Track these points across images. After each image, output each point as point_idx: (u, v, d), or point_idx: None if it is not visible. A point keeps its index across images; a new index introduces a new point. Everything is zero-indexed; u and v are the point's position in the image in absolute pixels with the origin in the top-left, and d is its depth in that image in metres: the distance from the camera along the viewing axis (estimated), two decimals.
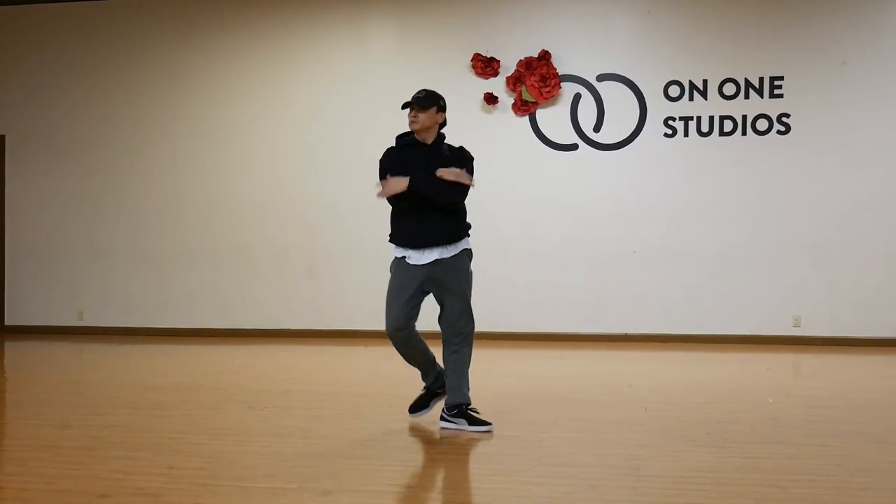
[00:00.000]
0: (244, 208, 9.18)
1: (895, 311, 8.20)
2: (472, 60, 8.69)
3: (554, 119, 8.66)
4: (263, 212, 9.14)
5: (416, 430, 5.05)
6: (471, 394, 5.10)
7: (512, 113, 8.66)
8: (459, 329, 5.11)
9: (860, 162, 8.22)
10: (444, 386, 5.17)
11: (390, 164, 5.12)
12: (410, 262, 5.10)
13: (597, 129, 8.59)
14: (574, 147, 8.64)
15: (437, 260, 5.05)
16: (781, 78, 8.33)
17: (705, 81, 8.43)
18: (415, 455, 4.51)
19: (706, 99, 8.42)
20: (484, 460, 4.42)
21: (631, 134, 8.55)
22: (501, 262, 8.66)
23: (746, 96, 8.38)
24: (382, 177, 5.12)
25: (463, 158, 5.15)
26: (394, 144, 5.30)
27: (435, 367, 5.26)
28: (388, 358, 7.84)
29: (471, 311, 5.17)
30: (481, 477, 4.15)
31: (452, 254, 5.09)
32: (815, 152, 8.27)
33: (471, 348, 5.18)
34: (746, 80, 8.38)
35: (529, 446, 4.67)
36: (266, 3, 9.11)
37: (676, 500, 3.78)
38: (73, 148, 9.50)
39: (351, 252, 8.98)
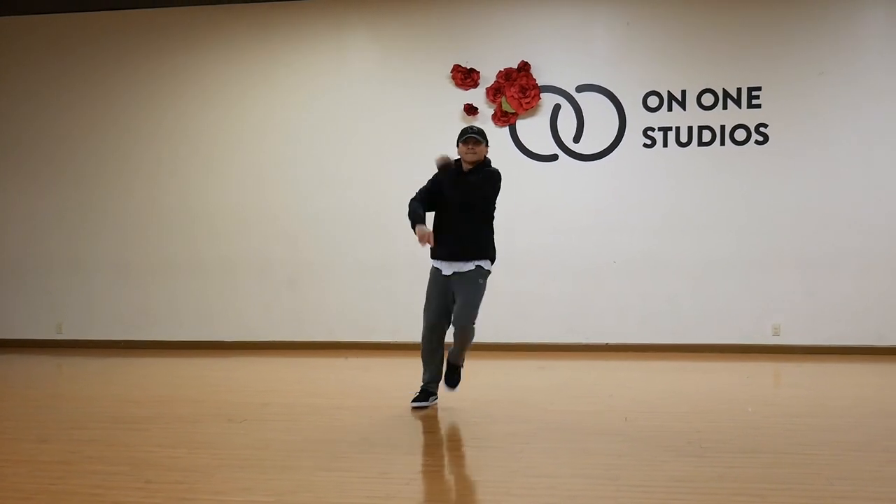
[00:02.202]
0: (225, 220, 9.15)
1: (874, 319, 8.25)
2: (452, 71, 8.71)
3: (534, 130, 8.68)
4: (245, 223, 9.12)
5: (394, 442, 5.03)
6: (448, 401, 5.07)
7: (492, 124, 8.67)
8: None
9: (837, 171, 8.28)
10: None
11: (433, 186, 6.03)
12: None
13: (576, 139, 8.62)
14: (554, 157, 8.66)
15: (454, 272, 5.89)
16: (759, 88, 8.38)
17: (684, 92, 8.47)
18: (393, 467, 4.48)
19: (685, 109, 8.46)
20: (464, 471, 4.41)
21: (610, 144, 8.58)
22: None
23: (725, 107, 8.43)
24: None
25: (489, 178, 5.92)
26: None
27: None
28: (369, 370, 7.88)
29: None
30: (461, 488, 4.14)
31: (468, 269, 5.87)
32: (792, 162, 8.32)
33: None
34: (725, 91, 8.42)
35: (509, 457, 4.66)
36: (246, 16, 9.10)
37: None
38: (52, 160, 9.46)
39: (332, 263, 8.97)
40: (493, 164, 5.96)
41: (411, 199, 6.08)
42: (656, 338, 8.47)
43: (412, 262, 8.85)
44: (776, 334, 8.38)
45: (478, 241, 5.88)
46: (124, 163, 9.33)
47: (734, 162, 8.41)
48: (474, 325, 5.88)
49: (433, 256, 6.00)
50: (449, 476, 4.33)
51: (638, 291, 8.51)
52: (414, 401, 5.90)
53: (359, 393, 6.64)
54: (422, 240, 5.85)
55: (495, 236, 6.04)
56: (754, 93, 8.39)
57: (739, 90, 8.42)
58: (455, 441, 5.02)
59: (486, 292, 8.69)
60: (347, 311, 9.00)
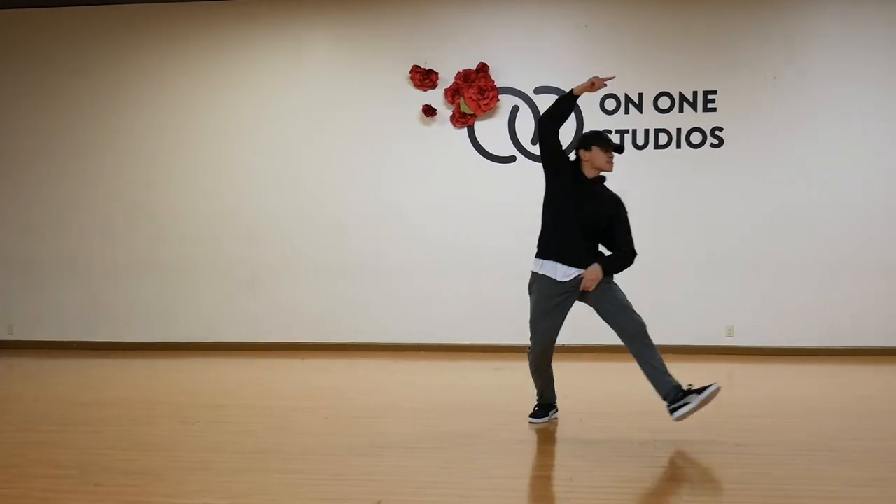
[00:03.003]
0: (182, 220, 9.06)
1: (825, 320, 8.36)
2: (410, 72, 8.70)
3: (492, 131, 8.70)
4: (202, 223, 9.03)
5: (349, 444, 5.02)
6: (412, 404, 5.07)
7: (450, 125, 8.68)
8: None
9: (791, 174, 8.38)
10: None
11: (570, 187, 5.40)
12: None
13: (534, 141, 8.64)
14: (512, 159, 8.69)
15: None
16: (715, 92, 8.46)
17: (640, 95, 8.53)
18: (348, 469, 4.48)
19: (641, 112, 8.53)
20: (416, 473, 4.41)
21: (568, 146, 8.60)
22: (439, 273, 8.70)
23: (681, 110, 8.50)
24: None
25: (624, 210, 5.52)
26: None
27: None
28: (325, 371, 7.85)
29: (532, 327, 5.52)
30: (412, 489, 4.13)
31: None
32: (747, 165, 8.42)
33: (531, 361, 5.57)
34: (681, 94, 8.50)
35: (462, 458, 4.67)
36: (203, 15, 9.02)
37: None
38: (2, 158, 9.31)
39: (290, 264, 8.92)
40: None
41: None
42: (610, 339, 8.43)
43: (370, 262, 8.86)
44: (730, 336, 8.47)
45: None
46: (78, 161, 9.20)
47: (690, 164, 8.48)
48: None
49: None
50: (400, 478, 4.32)
51: None
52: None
53: (315, 394, 6.62)
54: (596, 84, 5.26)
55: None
56: (710, 96, 8.47)
57: (695, 93, 8.50)
58: (409, 443, 5.01)
59: (442, 294, 8.80)
60: (305, 311, 8.96)
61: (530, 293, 5.46)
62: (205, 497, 4.02)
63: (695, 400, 4.92)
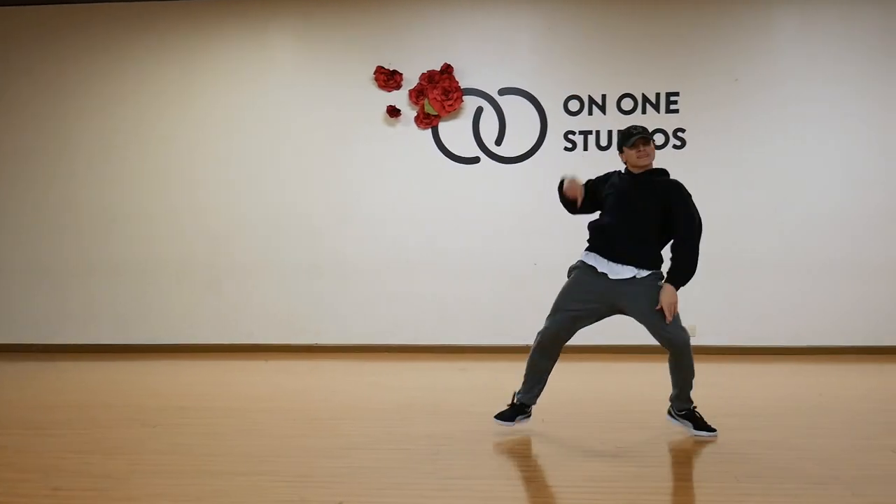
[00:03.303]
0: (145, 221, 8.99)
1: (789, 320, 8.47)
2: (374, 73, 8.70)
3: (456, 132, 8.72)
4: (165, 224, 8.97)
5: (313, 446, 5.01)
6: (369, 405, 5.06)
7: (414, 126, 8.69)
8: None
9: (752, 175, 8.48)
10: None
11: (609, 187, 5.27)
12: None
13: (498, 142, 8.68)
14: (476, 160, 8.71)
15: None
16: (677, 94, 8.54)
17: (604, 96, 8.58)
18: (311, 470, 4.47)
19: (605, 113, 8.58)
20: (379, 473, 4.41)
21: (532, 147, 8.66)
22: (404, 274, 8.71)
23: (644, 111, 8.56)
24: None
25: (681, 195, 5.22)
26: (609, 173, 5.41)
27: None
28: (290, 372, 7.83)
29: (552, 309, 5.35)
30: (375, 490, 4.13)
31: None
32: (709, 166, 8.49)
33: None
34: (644, 96, 8.56)
35: (426, 459, 4.67)
36: (169, 14, 8.96)
37: None
38: None
39: (255, 265, 8.89)
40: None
41: None
42: (575, 339, 8.47)
43: (336, 263, 8.84)
44: (693, 335, 8.50)
45: None
46: (36, 160, 9.10)
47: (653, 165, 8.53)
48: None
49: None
50: (363, 479, 4.32)
51: (557, 293, 8.57)
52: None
53: (280, 396, 6.58)
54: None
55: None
56: (672, 98, 8.55)
57: (658, 95, 8.57)
58: (373, 444, 5.01)
59: (407, 295, 8.80)
60: (270, 313, 8.93)
61: (568, 276, 5.29)
62: (165, 500, 3.99)
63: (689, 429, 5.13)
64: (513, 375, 7.51)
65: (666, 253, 5.21)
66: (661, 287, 4.97)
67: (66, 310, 9.12)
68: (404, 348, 8.69)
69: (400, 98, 8.72)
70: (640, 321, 5.08)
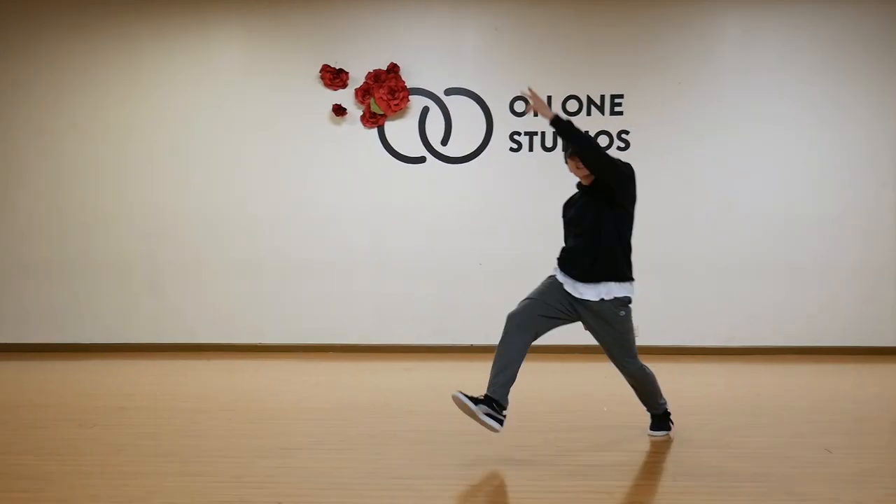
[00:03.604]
0: (81, 218, 8.84)
1: (726, 320, 8.57)
2: (320, 71, 8.65)
3: (402, 132, 8.70)
4: (102, 222, 8.82)
5: (252, 446, 4.96)
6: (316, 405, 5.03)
7: (360, 125, 8.66)
8: None
9: (694, 177, 8.57)
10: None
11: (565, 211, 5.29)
12: None
13: (444, 142, 8.68)
14: (422, 160, 8.70)
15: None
16: (622, 96, 8.61)
17: (549, 98, 8.62)
18: (249, 471, 4.43)
19: None
20: (319, 474, 4.39)
21: (478, 148, 8.67)
22: (349, 274, 8.68)
23: (588, 113, 8.62)
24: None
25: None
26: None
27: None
28: (231, 372, 7.75)
29: None
30: (314, 490, 4.11)
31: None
32: (652, 168, 8.56)
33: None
34: (589, 98, 8.62)
35: (367, 459, 4.66)
36: (110, 9, 8.82)
37: None
38: None
39: (195, 264, 8.78)
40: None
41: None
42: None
43: (277, 262, 8.77)
44: (635, 335, 8.59)
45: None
46: None
47: None
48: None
49: None
50: (302, 479, 4.29)
51: (503, 293, 8.54)
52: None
53: (220, 396, 6.51)
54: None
55: None
56: (617, 100, 8.61)
57: (603, 97, 8.63)
58: (313, 444, 4.98)
59: (351, 294, 8.75)
60: (211, 312, 8.83)
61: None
62: (99, 501, 3.93)
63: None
64: (458, 375, 7.55)
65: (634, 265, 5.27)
66: (622, 316, 5.01)
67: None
68: (349, 348, 8.65)
69: (346, 97, 8.68)
70: (603, 348, 5.20)
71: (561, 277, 5.03)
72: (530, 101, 4.86)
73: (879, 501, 3.95)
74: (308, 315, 8.75)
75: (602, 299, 4.91)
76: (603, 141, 8.56)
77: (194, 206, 8.77)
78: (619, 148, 8.56)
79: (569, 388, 6.97)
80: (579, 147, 4.81)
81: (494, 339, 8.58)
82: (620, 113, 8.60)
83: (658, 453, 4.74)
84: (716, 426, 5.43)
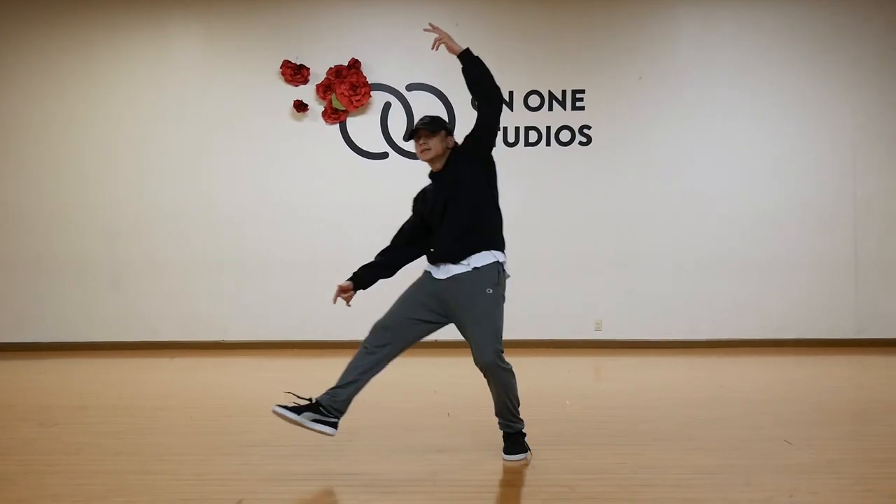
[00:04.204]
0: (41, 216, 8.76)
1: (687, 314, 8.66)
2: (281, 67, 8.62)
3: (364, 127, 8.70)
4: (62, 220, 8.75)
5: (214, 443, 4.94)
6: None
7: (322, 121, 8.64)
8: None
9: (655, 172, 8.65)
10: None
11: (416, 203, 4.88)
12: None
13: (406, 138, 8.65)
14: (384, 156, 8.71)
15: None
16: (583, 91, 8.66)
17: (511, 93, 8.66)
18: (210, 468, 4.41)
19: (512, 110, 8.65)
20: (281, 470, 4.38)
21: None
22: (311, 269, 8.65)
23: (550, 108, 8.66)
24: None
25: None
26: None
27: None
28: (195, 369, 7.71)
29: None
30: (275, 487, 4.10)
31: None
32: (614, 163, 8.64)
33: None
34: (550, 93, 8.66)
35: (329, 455, 4.66)
36: (67, 4, 8.73)
37: (465, 503, 3.86)
38: None
39: (156, 261, 8.74)
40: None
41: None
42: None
43: (239, 259, 8.74)
44: (598, 329, 8.68)
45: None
46: None
47: (559, 162, 8.66)
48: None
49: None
50: (265, 476, 4.28)
51: None
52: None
53: (183, 394, 6.49)
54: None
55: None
56: (578, 95, 8.66)
57: (564, 92, 8.68)
58: (276, 440, 4.97)
59: (312, 291, 8.71)
60: (174, 309, 8.78)
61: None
62: (60, 500, 3.90)
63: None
64: (421, 370, 7.56)
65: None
66: (486, 293, 4.45)
67: None
68: (313, 344, 8.63)
69: (307, 93, 8.66)
70: (458, 326, 4.63)
71: (427, 267, 4.76)
72: (436, 35, 4.68)
73: (835, 491, 4.01)
74: (271, 312, 8.73)
75: (461, 272, 4.53)
76: (565, 136, 8.61)
77: (155, 204, 8.71)
78: (580, 143, 8.62)
79: (531, 381, 6.95)
80: (487, 76, 4.80)
81: (458, 333, 8.65)
82: (582, 108, 8.65)
83: (619, 446, 4.77)
84: (678, 419, 5.47)
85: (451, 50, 4.71)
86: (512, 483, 4.11)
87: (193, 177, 8.73)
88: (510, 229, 8.11)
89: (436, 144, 4.64)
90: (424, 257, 4.81)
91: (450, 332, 8.53)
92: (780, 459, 4.52)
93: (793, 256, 8.66)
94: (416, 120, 8.62)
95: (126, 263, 8.76)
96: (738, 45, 8.65)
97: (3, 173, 8.78)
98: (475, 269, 4.51)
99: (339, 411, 4.54)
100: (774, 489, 4.01)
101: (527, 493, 3.96)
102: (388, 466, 4.46)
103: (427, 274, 4.73)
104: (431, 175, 4.78)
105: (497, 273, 4.53)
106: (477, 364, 4.41)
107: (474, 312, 4.45)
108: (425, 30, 4.77)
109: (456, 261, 4.55)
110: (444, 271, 4.60)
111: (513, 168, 8.64)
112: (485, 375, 4.45)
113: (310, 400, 4.54)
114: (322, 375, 4.71)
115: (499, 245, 4.64)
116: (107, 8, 8.73)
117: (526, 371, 7.43)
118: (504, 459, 4.49)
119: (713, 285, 8.69)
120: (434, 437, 5.01)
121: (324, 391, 4.59)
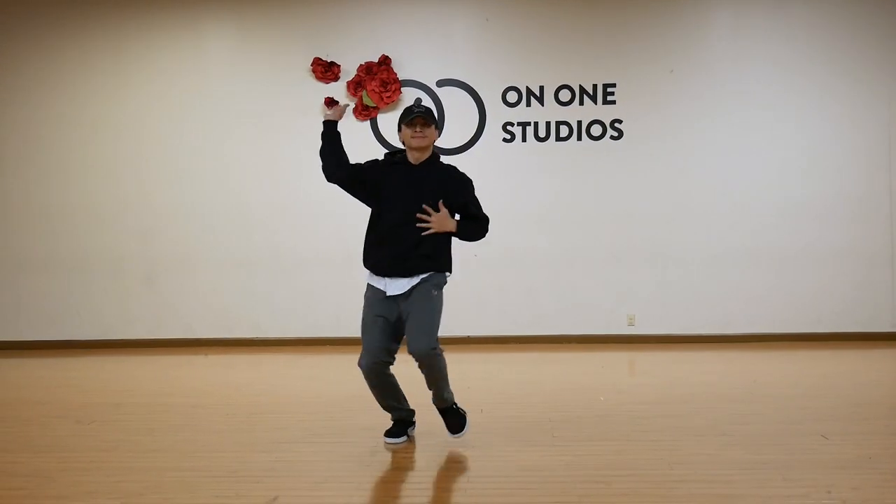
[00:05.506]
0: (77, 215, 8.83)
1: (721, 308, 8.58)
2: (312, 65, 8.63)
3: (395, 124, 8.66)
4: (98, 218, 8.81)
5: (249, 440, 4.97)
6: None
7: (353, 117, 8.65)
8: None
9: (687, 166, 8.57)
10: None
11: (377, 177, 4.76)
12: None
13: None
14: None
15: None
16: (614, 85, 8.60)
17: (542, 88, 8.62)
18: (246, 465, 4.43)
19: (543, 105, 8.62)
20: (316, 467, 4.39)
21: (471, 139, 8.67)
22: (344, 267, 8.65)
23: (581, 102, 8.61)
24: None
25: (462, 181, 4.76)
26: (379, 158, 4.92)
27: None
28: (229, 367, 7.76)
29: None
30: (311, 484, 4.12)
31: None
32: (645, 157, 8.57)
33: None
34: (581, 87, 8.61)
35: (363, 453, 4.67)
36: (98, 6, 8.79)
37: (501, 499, 3.85)
38: None
39: (190, 259, 8.78)
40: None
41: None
42: (515, 329, 8.61)
43: (272, 256, 8.77)
44: (631, 324, 8.63)
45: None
46: None
47: (590, 157, 8.60)
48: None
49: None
50: (299, 473, 4.30)
51: (497, 284, 8.63)
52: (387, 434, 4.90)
53: (217, 391, 6.52)
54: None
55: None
56: (609, 89, 8.61)
57: (595, 86, 8.62)
58: (310, 437, 4.99)
59: (351, 286, 8.73)
60: (207, 307, 8.83)
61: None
62: (97, 498, 3.94)
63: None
64: (453, 366, 7.54)
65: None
66: (434, 295, 4.72)
67: None
68: (345, 341, 8.62)
69: (338, 90, 8.67)
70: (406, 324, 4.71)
71: (375, 282, 4.92)
72: (430, 225, 4.61)
73: (877, 487, 3.96)
74: (305, 308, 8.75)
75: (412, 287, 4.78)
76: (596, 130, 8.56)
77: (188, 201, 8.76)
78: (612, 137, 8.57)
79: (565, 377, 6.97)
80: (477, 235, 4.92)
81: (491, 329, 8.66)
82: (613, 102, 8.59)
83: (654, 441, 4.75)
84: (712, 415, 5.43)
85: (448, 231, 4.71)
86: (547, 479, 4.09)
87: (225, 174, 8.77)
88: (544, 223, 8.18)
89: (430, 135, 4.67)
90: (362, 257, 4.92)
91: (481, 329, 8.56)
92: (816, 455, 4.49)
93: (828, 249, 8.56)
94: (446, 116, 8.64)
95: (160, 261, 8.82)
96: (771, 37, 8.55)
97: (36, 173, 8.85)
98: (423, 280, 4.70)
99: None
100: (812, 485, 3.98)
101: (561, 489, 3.94)
102: (422, 463, 4.47)
103: (375, 292, 4.83)
104: (403, 162, 4.77)
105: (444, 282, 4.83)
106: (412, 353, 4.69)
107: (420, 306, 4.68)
108: (418, 215, 4.61)
109: (410, 276, 4.68)
110: (396, 287, 4.72)
111: (543, 163, 8.62)
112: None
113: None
114: (356, 372, 4.70)
115: (450, 268, 4.89)
116: (139, 6, 8.78)
117: (559, 367, 7.46)
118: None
119: (747, 279, 8.61)
120: (469, 433, 4.99)
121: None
